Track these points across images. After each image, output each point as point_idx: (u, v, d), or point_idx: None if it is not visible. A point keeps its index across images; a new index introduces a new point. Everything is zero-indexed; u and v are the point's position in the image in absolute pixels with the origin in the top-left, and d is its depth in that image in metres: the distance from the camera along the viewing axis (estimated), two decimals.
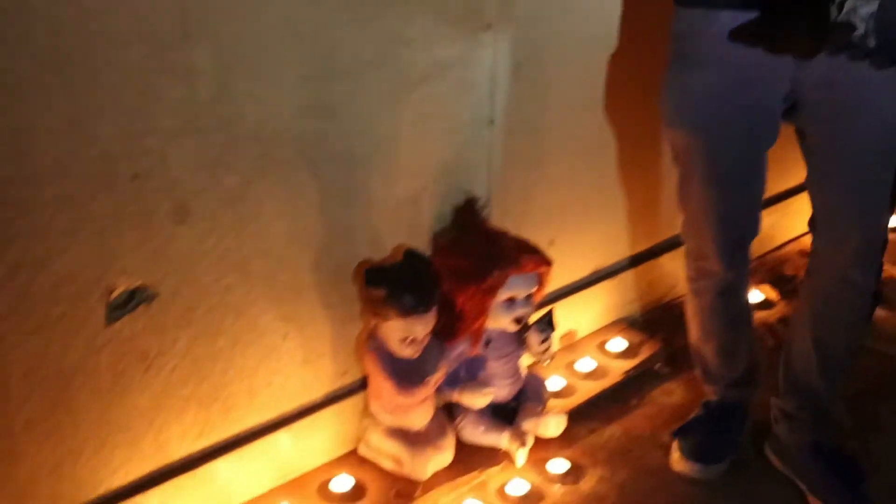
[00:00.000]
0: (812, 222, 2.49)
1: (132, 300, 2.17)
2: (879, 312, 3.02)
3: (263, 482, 2.51)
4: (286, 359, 2.48)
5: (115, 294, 2.15)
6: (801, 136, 2.40)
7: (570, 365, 3.02)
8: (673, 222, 2.65)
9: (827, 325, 2.55)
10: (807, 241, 2.68)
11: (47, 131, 1.96)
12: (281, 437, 2.51)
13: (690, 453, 2.70)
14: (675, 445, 2.72)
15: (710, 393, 2.79)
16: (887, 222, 2.46)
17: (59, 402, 2.13)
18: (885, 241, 2.47)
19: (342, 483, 2.55)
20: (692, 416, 2.79)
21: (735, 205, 2.47)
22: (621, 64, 2.90)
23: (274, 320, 2.43)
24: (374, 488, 2.56)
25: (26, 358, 2.05)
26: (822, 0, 2.05)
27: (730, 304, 2.65)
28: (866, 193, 2.37)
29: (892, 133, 2.31)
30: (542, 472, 2.65)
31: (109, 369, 2.18)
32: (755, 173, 2.45)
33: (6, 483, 2.09)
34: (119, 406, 2.22)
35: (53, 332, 2.08)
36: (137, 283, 2.17)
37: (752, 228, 2.54)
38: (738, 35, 2.21)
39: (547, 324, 2.72)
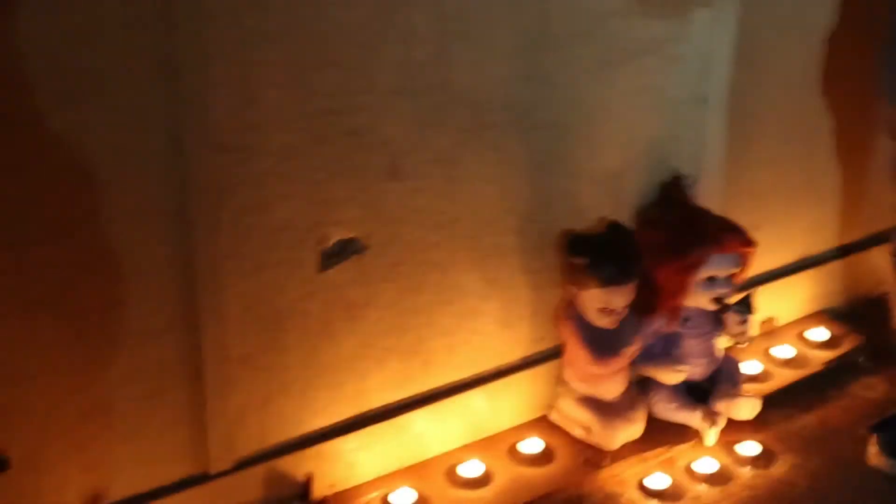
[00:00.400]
0: None
1: (344, 250, 2.29)
2: None
3: (456, 438, 2.59)
4: (485, 320, 2.56)
5: (328, 244, 2.27)
6: None
7: (767, 351, 3.00)
8: (885, 215, 2.61)
9: None
10: None
11: (274, 84, 2.09)
12: (475, 395, 2.59)
13: (889, 449, 2.64)
14: (872, 440, 2.66)
15: None
16: None
17: (271, 340, 2.26)
18: None
19: (532, 446, 2.61)
20: (893, 411, 2.74)
21: None
22: (837, 48, 2.87)
23: (476, 281, 2.51)
24: (562, 454, 2.61)
25: (244, 297, 2.20)
26: None
27: None
28: None
29: None
30: (732, 453, 2.64)
31: (319, 315, 2.31)
32: None
33: (221, 412, 2.24)
34: (325, 351, 2.34)
35: (270, 275, 2.21)
36: (350, 235, 2.29)
37: None
38: None
39: (746, 306, 2.71)
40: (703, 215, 2.69)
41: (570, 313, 2.60)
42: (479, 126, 2.37)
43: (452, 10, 2.24)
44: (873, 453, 2.65)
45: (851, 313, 3.18)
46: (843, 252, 3.20)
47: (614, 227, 2.57)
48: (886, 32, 2.39)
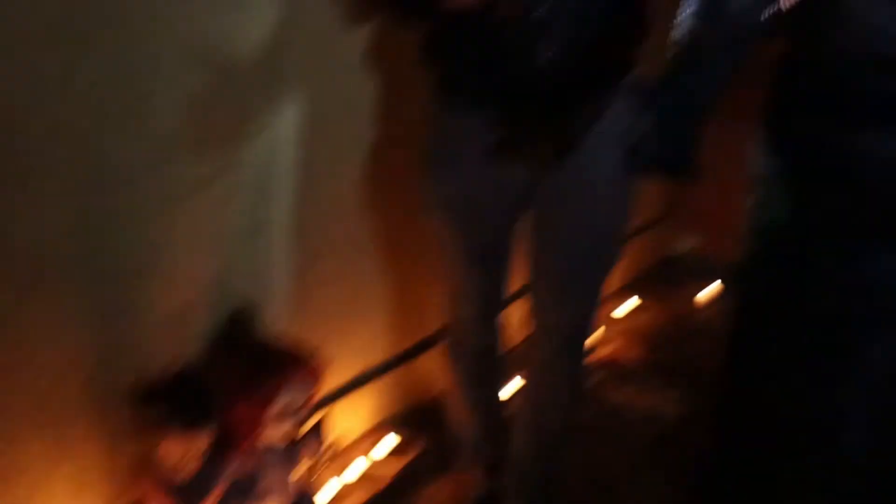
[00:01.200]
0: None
1: None
2: None
3: None
4: (58, 489, 2.31)
5: None
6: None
7: (340, 471, 2.99)
8: (435, 318, 2.68)
9: (538, 406, 2.71)
10: None
11: None
12: None
13: None
14: None
15: (477, 484, 2.88)
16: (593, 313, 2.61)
17: None
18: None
19: None
20: None
21: (481, 280, 2.63)
22: (384, 160, 2.91)
23: (44, 450, 2.26)
24: None
25: None
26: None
27: (486, 366, 2.80)
28: (575, 282, 2.53)
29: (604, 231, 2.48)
30: None
31: None
32: (499, 254, 2.61)
33: None
34: None
35: None
36: None
37: (499, 301, 2.70)
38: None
39: (317, 433, 2.69)
40: (269, 347, 2.61)
41: (150, 465, 2.41)
42: (40, 281, 2.14)
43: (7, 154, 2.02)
44: None
45: (413, 419, 3.24)
46: (399, 360, 3.24)
47: (185, 371, 2.43)
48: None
